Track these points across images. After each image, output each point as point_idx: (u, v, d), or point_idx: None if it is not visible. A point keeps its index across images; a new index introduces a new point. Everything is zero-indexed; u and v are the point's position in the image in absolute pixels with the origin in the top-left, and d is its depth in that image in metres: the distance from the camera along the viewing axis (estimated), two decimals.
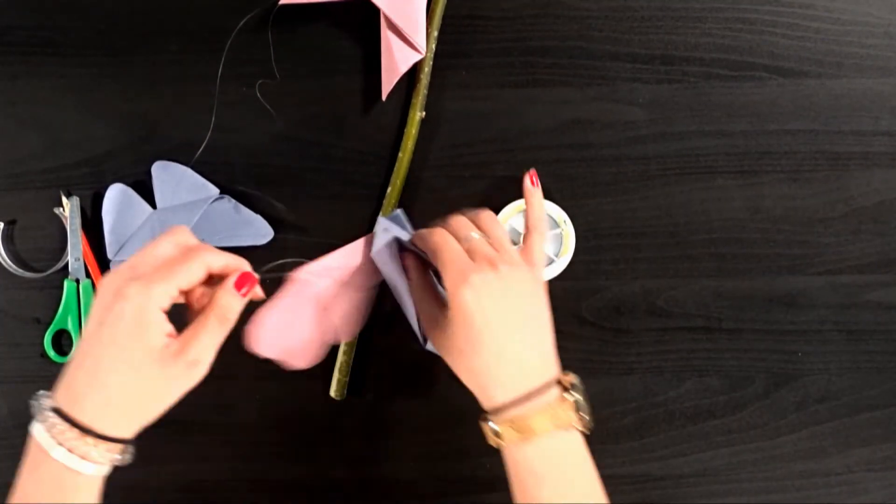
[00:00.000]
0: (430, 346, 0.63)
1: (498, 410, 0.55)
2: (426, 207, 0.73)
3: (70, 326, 0.73)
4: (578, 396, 0.55)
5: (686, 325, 0.73)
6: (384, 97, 0.71)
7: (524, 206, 0.70)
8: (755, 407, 0.73)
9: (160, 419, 0.73)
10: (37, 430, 0.48)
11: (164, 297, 0.49)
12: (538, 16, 0.72)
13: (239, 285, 0.52)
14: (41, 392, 0.50)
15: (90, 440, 0.48)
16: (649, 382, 0.73)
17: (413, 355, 0.72)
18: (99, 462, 0.49)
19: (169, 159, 0.73)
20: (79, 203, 0.72)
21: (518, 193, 0.72)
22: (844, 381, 0.73)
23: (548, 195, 0.72)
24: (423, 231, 0.59)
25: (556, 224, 0.71)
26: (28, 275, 0.73)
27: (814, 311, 0.73)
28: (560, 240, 0.71)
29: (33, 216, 0.73)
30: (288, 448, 0.73)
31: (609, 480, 0.72)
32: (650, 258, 0.73)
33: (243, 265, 0.54)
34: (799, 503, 0.73)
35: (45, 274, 0.73)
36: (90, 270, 0.73)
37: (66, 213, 0.72)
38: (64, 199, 0.72)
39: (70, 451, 0.48)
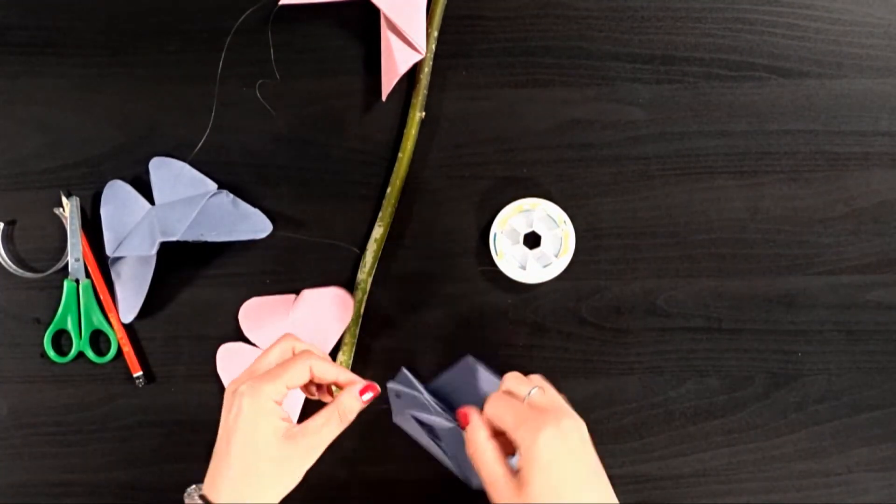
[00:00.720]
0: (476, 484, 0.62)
1: None
2: (426, 207, 0.73)
3: (70, 326, 0.73)
4: None
5: (686, 325, 0.73)
6: (384, 97, 0.71)
7: (525, 206, 0.70)
8: (755, 407, 0.73)
9: (159, 419, 0.73)
10: None
11: (274, 394, 0.57)
12: (538, 16, 0.72)
13: (363, 391, 0.60)
14: (194, 486, 0.59)
15: None
16: (649, 382, 0.73)
17: (411, 355, 0.72)
18: None
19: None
20: (79, 203, 0.72)
21: (518, 193, 0.72)
22: (844, 381, 0.73)
23: (548, 195, 0.72)
24: (490, 400, 0.58)
25: (555, 224, 0.71)
26: (28, 275, 0.73)
27: (814, 311, 0.73)
28: (560, 240, 0.71)
29: (33, 216, 0.73)
30: None
31: (609, 480, 0.72)
32: (650, 258, 0.73)
33: (350, 379, 0.61)
34: (799, 503, 0.73)
35: (45, 274, 0.73)
36: (90, 270, 0.73)
37: (66, 213, 0.72)
38: (64, 199, 0.72)
39: None
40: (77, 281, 0.73)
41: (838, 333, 0.73)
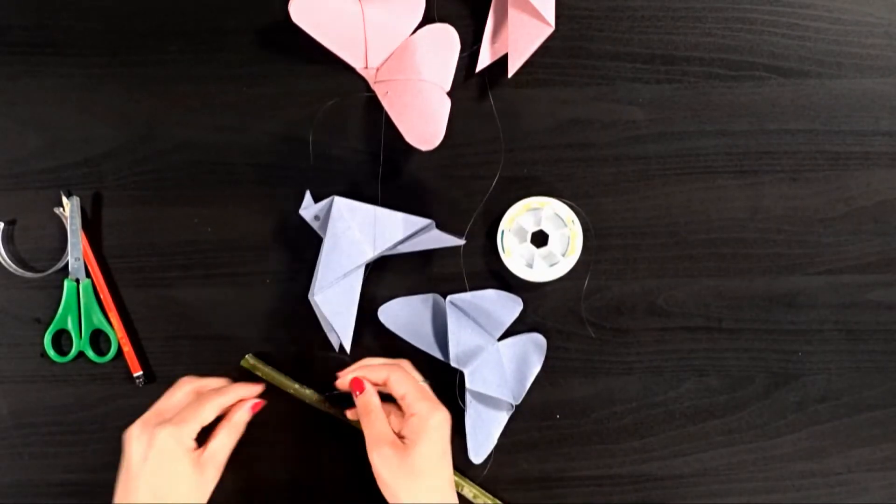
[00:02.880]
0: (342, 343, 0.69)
1: None
2: (427, 207, 0.73)
3: (70, 326, 0.73)
4: None
5: (686, 325, 0.73)
6: (510, 75, 0.70)
7: (533, 205, 0.70)
8: (755, 407, 0.73)
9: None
10: None
11: (190, 437, 0.63)
12: None
13: (249, 407, 0.67)
14: None
15: None
16: (649, 382, 0.73)
17: (409, 354, 0.72)
18: None
19: (168, 158, 0.73)
20: (79, 203, 0.72)
21: (518, 193, 0.72)
22: (844, 381, 0.73)
23: (548, 195, 0.72)
24: (381, 363, 0.68)
25: (563, 223, 0.71)
26: (28, 275, 0.73)
27: (814, 311, 0.73)
28: (567, 239, 0.71)
29: (33, 216, 0.73)
30: (288, 448, 0.73)
31: (609, 480, 0.72)
32: (650, 258, 0.73)
33: (252, 392, 0.68)
34: (799, 503, 0.73)
35: (45, 274, 0.73)
36: (90, 270, 0.73)
37: (66, 213, 0.72)
38: (64, 199, 0.72)
39: None
40: (77, 281, 0.73)
41: (838, 333, 0.73)
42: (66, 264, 0.73)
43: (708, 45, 0.72)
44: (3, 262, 0.73)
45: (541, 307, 0.73)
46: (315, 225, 0.70)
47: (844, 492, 0.72)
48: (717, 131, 0.73)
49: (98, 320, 0.73)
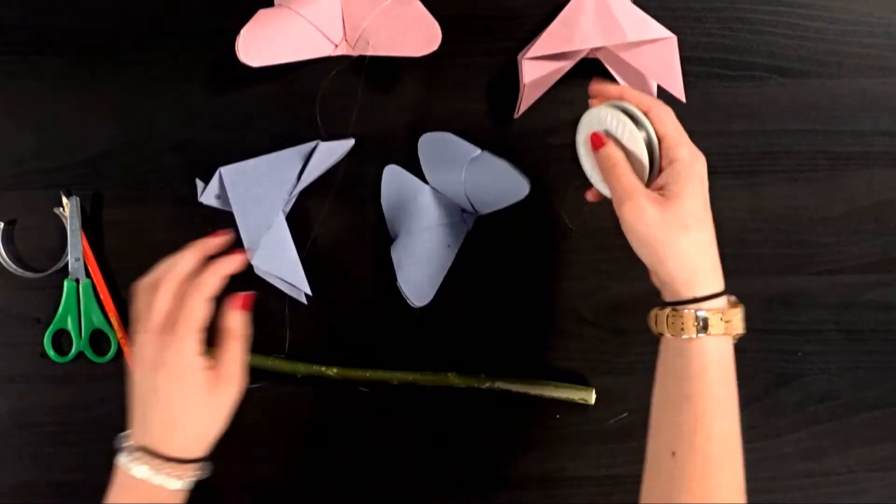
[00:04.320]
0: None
1: (697, 301, 0.57)
2: None
3: (70, 326, 0.73)
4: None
5: None
6: None
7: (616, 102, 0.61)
8: (755, 407, 0.73)
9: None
10: (128, 464, 0.58)
11: (193, 345, 0.59)
12: (539, 16, 0.72)
13: (238, 306, 0.62)
14: (122, 434, 0.60)
15: (175, 466, 0.58)
16: (649, 382, 0.73)
17: (408, 354, 0.72)
18: (183, 478, 0.58)
19: (168, 158, 0.73)
20: (79, 203, 0.72)
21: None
22: (844, 381, 0.73)
23: (548, 194, 0.72)
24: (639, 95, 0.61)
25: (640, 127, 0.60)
26: (28, 275, 0.73)
27: (814, 311, 0.73)
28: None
29: (33, 216, 0.73)
30: (288, 448, 0.73)
31: (609, 480, 0.72)
32: None
33: (231, 264, 0.62)
34: (799, 503, 0.73)
35: (45, 274, 0.73)
36: (90, 270, 0.73)
37: (66, 213, 0.72)
38: (64, 199, 0.72)
39: (164, 475, 0.57)
40: (77, 280, 0.73)
41: (838, 333, 0.73)
42: (66, 264, 0.73)
43: (708, 45, 0.72)
44: (2, 262, 0.73)
45: (541, 307, 0.73)
46: (219, 204, 0.71)
47: (844, 492, 0.72)
48: (717, 131, 0.73)
49: (98, 320, 0.73)
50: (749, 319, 0.73)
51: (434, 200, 0.71)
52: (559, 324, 0.73)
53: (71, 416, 0.73)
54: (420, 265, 0.71)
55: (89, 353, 0.73)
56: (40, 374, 0.74)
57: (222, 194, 0.71)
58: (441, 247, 0.71)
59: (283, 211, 0.70)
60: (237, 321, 0.61)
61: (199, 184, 0.71)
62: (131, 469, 0.58)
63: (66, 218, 0.73)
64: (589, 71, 0.72)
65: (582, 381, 0.73)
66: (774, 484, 0.72)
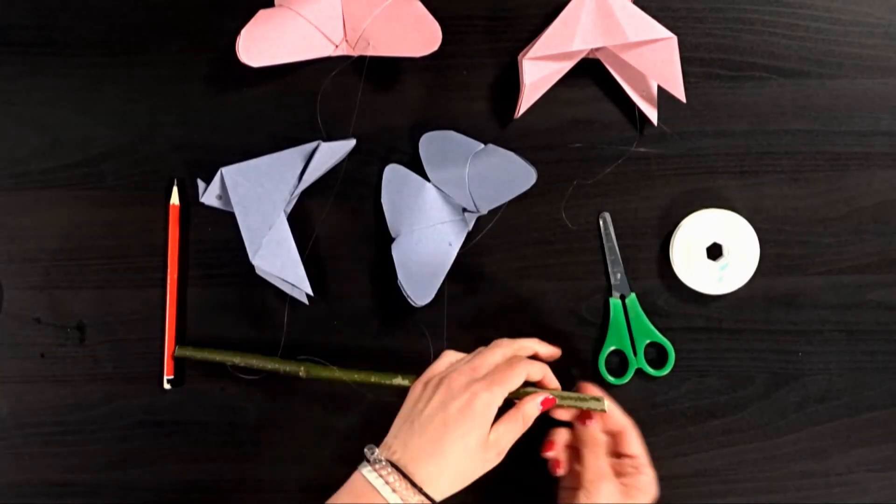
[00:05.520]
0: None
1: None
2: None
3: None
4: None
5: (686, 325, 0.73)
6: (655, 123, 0.72)
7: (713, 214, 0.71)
8: (755, 407, 0.73)
9: (159, 419, 0.73)
10: (371, 475, 0.59)
11: (500, 399, 0.61)
12: (539, 16, 0.72)
13: (543, 404, 0.64)
14: (372, 445, 0.61)
15: (414, 493, 0.58)
16: (649, 382, 0.73)
17: (410, 360, 0.72)
18: None
19: (168, 158, 0.73)
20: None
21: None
22: (844, 381, 0.73)
23: (548, 195, 0.72)
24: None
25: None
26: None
27: (814, 311, 0.73)
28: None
29: (33, 216, 0.73)
30: (288, 448, 0.73)
31: None
32: (650, 258, 0.73)
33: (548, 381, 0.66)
34: (799, 503, 0.73)
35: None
36: None
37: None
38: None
39: (400, 497, 0.59)
40: None
41: (838, 333, 0.73)
42: None
43: (708, 45, 0.72)
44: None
45: (540, 308, 0.73)
46: (220, 204, 0.71)
47: (844, 492, 0.72)
48: (717, 131, 0.73)
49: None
50: (749, 319, 0.73)
51: (436, 198, 0.71)
52: (559, 324, 0.73)
53: (71, 416, 0.73)
54: (421, 264, 0.70)
55: None
56: (40, 374, 0.74)
57: (223, 194, 0.71)
58: (442, 245, 0.71)
59: (285, 211, 0.70)
60: (532, 411, 0.64)
61: (201, 184, 0.71)
62: (374, 480, 0.59)
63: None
64: (589, 71, 0.72)
65: (581, 382, 0.73)
66: (774, 484, 0.72)
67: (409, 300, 0.69)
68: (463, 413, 0.60)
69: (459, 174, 0.70)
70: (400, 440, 0.61)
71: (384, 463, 0.59)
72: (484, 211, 0.71)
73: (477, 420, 0.60)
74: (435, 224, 0.71)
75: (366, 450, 0.61)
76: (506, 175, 0.69)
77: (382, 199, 0.72)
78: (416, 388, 0.63)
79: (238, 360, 0.71)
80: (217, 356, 0.71)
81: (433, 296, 0.70)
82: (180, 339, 0.73)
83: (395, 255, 0.70)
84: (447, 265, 0.71)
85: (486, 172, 0.70)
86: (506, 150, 0.69)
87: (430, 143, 0.72)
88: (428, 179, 0.72)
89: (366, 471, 0.60)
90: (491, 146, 0.71)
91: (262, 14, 0.69)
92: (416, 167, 0.72)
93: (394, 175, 0.72)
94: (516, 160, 0.68)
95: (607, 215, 0.72)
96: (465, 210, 0.71)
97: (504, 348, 0.65)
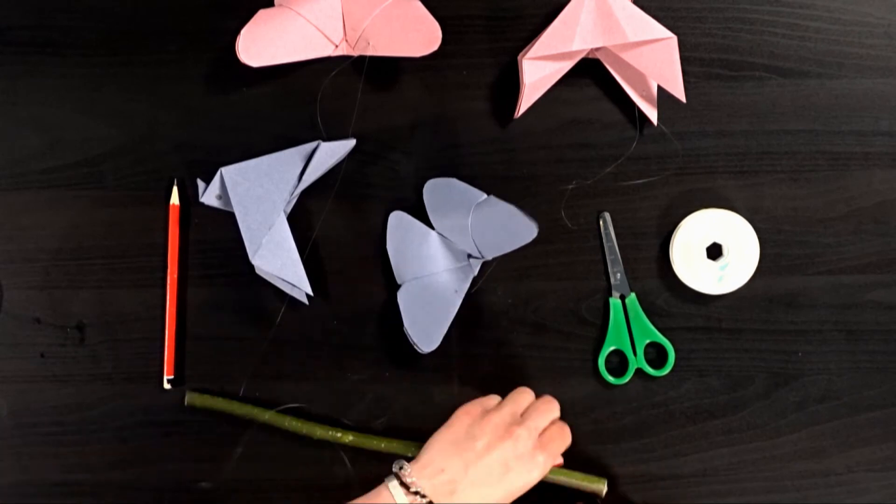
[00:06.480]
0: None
1: None
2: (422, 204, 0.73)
3: None
4: None
5: (686, 325, 0.73)
6: (655, 123, 0.72)
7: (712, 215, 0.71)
8: (755, 407, 0.73)
9: (159, 419, 0.73)
10: (400, 495, 0.60)
11: (534, 442, 0.64)
12: (539, 16, 0.72)
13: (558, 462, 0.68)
14: (403, 462, 0.62)
15: None
16: (649, 382, 0.73)
17: (409, 357, 0.72)
18: None
19: (168, 158, 0.73)
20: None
21: (518, 193, 0.72)
22: (844, 381, 0.73)
23: (547, 194, 0.72)
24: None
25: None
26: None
27: (814, 311, 0.73)
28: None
29: (33, 216, 0.73)
30: (288, 448, 0.73)
31: (609, 480, 0.72)
32: (650, 258, 0.73)
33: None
34: (799, 503, 0.73)
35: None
36: None
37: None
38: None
39: None
40: None
41: (838, 333, 0.73)
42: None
43: (708, 45, 0.73)
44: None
45: (540, 308, 0.73)
46: (220, 204, 0.71)
47: (844, 492, 0.72)
48: (717, 131, 0.73)
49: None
50: (749, 319, 0.73)
51: (440, 246, 0.71)
52: (559, 324, 0.73)
53: (71, 416, 0.73)
54: (427, 310, 0.71)
55: None
56: (40, 374, 0.74)
57: (223, 194, 0.71)
58: (448, 292, 0.71)
59: (285, 211, 0.70)
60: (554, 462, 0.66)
61: (201, 184, 0.71)
62: (398, 498, 0.60)
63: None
64: (589, 71, 0.72)
65: (581, 382, 0.73)
66: (774, 484, 0.72)
67: (416, 347, 0.69)
68: (505, 463, 0.62)
69: (463, 222, 0.70)
70: (439, 467, 0.61)
71: (413, 492, 0.60)
72: (488, 257, 0.71)
73: (517, 472, 0.62)
74: (440, 271, 0.71)
75: (395, 466, 0.62)
76: (507, 228, 0.69)
77: (388, 246, 0.72)
78: (463, 419, 0.64)
79: (266, 416, 0.71)
80: (237, 409, 0.71)
81: (439, 342, 0.70)
82: (180, 339, 0.73)
83: (400, 301, 0.70)
84: (453, 312, 0.71)
85: (489, 223, 0.70)
86: (508, 204, 0.69)
87: (434, 191, 0.72)
88: (432, 226, 0.72)
89: (396, 491, 0.60)
90: (492, 198, 0.70)
91: (262, 14, 0.69)
92: (420, 213, 0.72)
93: (398, 222, 0.72)
94: (518, 214, 0.68)
95: (607, 215, 0.72)
96: (469, 256, 0.71)
97: (555, 413, 0.67)
